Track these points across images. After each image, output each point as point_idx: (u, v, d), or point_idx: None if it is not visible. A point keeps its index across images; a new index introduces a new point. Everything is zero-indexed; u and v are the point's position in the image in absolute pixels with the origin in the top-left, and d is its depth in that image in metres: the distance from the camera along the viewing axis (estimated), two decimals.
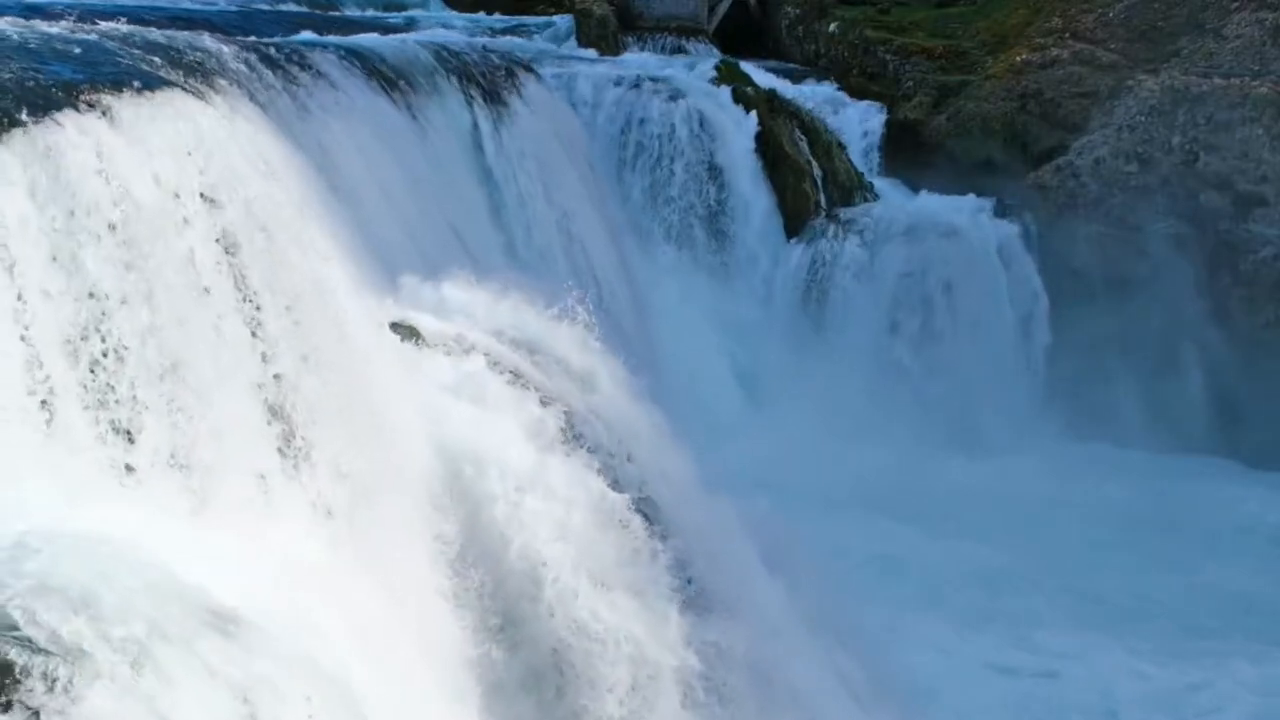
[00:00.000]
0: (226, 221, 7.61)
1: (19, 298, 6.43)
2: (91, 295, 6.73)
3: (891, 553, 16.23)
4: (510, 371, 9.46)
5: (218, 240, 7.53)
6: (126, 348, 6.83)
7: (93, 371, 6.69)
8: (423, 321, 9.59)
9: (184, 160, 7.49)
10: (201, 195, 7.50)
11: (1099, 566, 16.55)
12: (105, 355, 6.74)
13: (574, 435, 9.29)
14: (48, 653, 5.12)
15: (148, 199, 7.10)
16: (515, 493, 8.73)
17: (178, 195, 7.34)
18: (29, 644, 5.13)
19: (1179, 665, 13.92)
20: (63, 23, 8.60)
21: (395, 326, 9.29)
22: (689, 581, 9.28)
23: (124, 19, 9.13)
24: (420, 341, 9.39)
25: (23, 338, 6.42)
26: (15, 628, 5.18)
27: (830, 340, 21.20)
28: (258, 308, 7.68)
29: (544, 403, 9.33)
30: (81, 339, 6.67)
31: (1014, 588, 15.77)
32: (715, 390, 19.57)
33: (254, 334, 7.63)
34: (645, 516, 9.25)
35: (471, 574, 8.52)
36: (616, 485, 9.23)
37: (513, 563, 8.60)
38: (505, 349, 9.66)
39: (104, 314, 6.76)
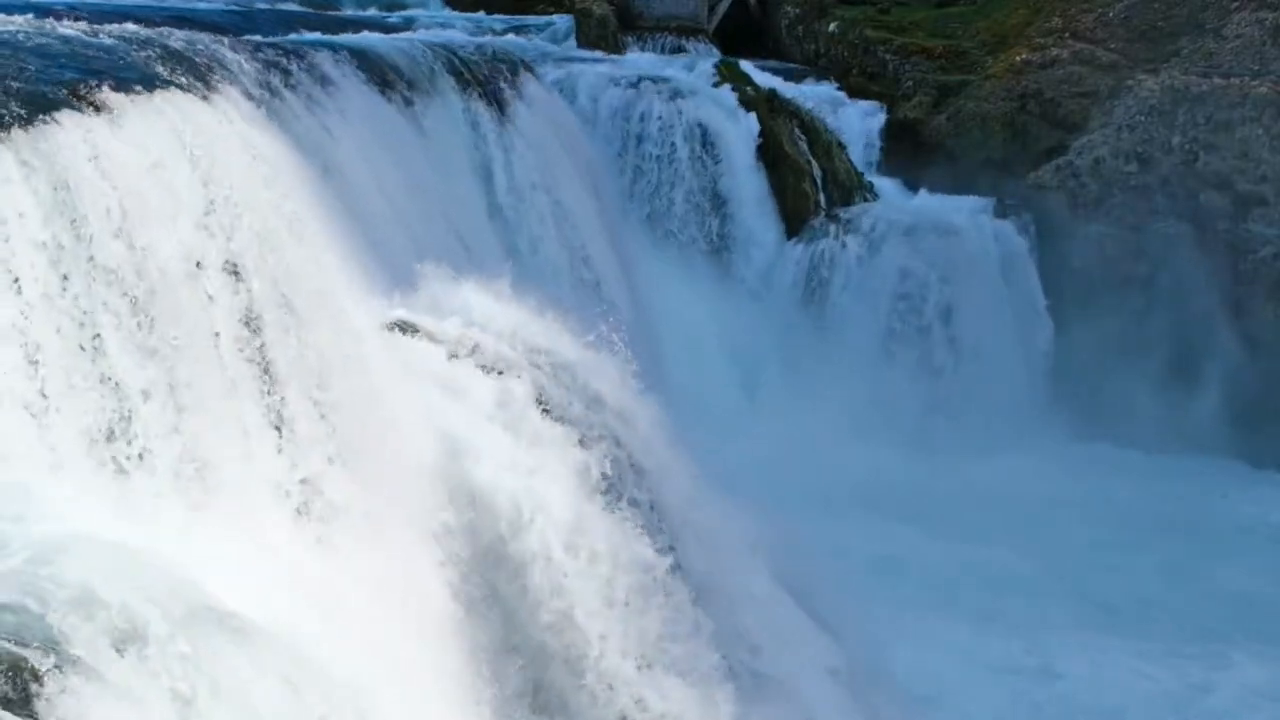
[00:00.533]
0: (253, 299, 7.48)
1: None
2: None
3: (894, 554, 16.20)
4: (548, 401, 8.86)
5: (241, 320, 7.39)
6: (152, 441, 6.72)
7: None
8: (452, 331, 9.10)
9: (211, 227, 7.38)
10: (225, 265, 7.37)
11: (1103, 567, 16.55)
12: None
13: (614, 485, 8.68)
14: (78, 664, 5.10)
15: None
16: (562, 553, 8.08)
17: (200, 264, 7.23)
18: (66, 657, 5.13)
19: (1186, 666, 13.90)
20: (70, 24, 8.50)
21: (406, 327, 8.89)
22: (724, 656, 8.69)
23: (132, 21, 9.09)
24: (454, 356, 8.86)
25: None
26: (56, 641, 5.16)
27: (831, 340, 21.18)
28: (283, 399, 7.48)
29: (584, 443, 8.75)
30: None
31: (1018, 589, 15.75)
32: (718, 390, 19.54)
33: (279, 429, 7.41)
34: (684, 582, 8.71)
35: (508, 656, 7.92)
36: (658, 547, 8.63)
37: (552, 639, 7.97)
38: (544, 376, 9.05)
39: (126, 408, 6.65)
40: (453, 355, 8.90)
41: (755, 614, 9.53)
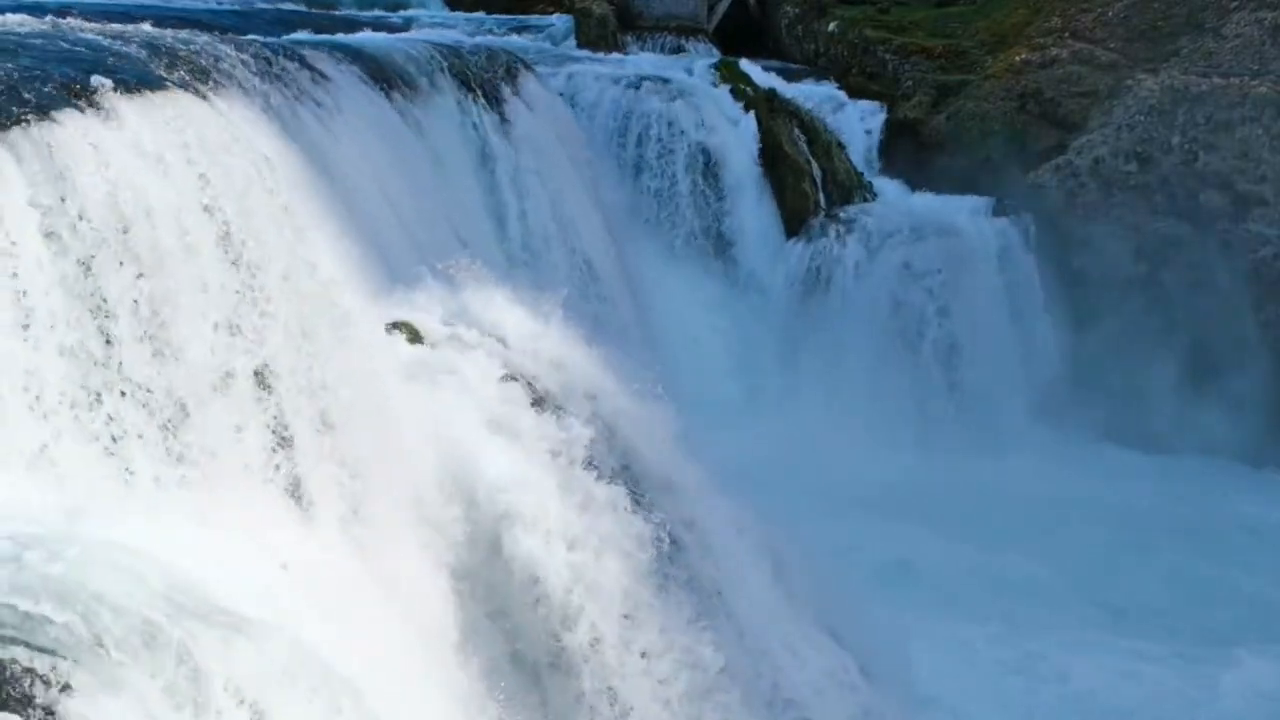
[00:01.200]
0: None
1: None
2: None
3: (897, 554, 16.18)
4: (597, 454, 8.31)
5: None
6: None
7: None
8: (497, 351, 8.66)
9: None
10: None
11: (1109, 568, 16.54)
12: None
13: (664, 563, 8.17)
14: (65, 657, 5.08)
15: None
16: (616, 653, 7.60)
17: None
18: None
19: (1196, 668, 13.86)
20: (82, 28, 8.44)
21: (412, 333, 8.81)
22: None
23: (133, 22, 9.06)
24: (506, 379, 8.40)
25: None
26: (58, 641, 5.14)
27: (832, 341, 21.16)
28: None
29: (639, 511, 8.22)
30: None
31: (1023, 589, 15.73)
32: (721, 392, 19.51)
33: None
34: (734, 681, 8.23)
35: None
36: (714, 642, 8.14)
37: None
38: (598, 421, 8.49)
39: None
40: (505, 379, 8.42)
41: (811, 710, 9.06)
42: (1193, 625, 15.12)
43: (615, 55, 24.11)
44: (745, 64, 23.69)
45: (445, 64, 16.53)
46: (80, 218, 6.67)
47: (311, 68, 13.06)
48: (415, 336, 8.97)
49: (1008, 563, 16.40)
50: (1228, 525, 18.19)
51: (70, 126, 6.89)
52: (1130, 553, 17.02)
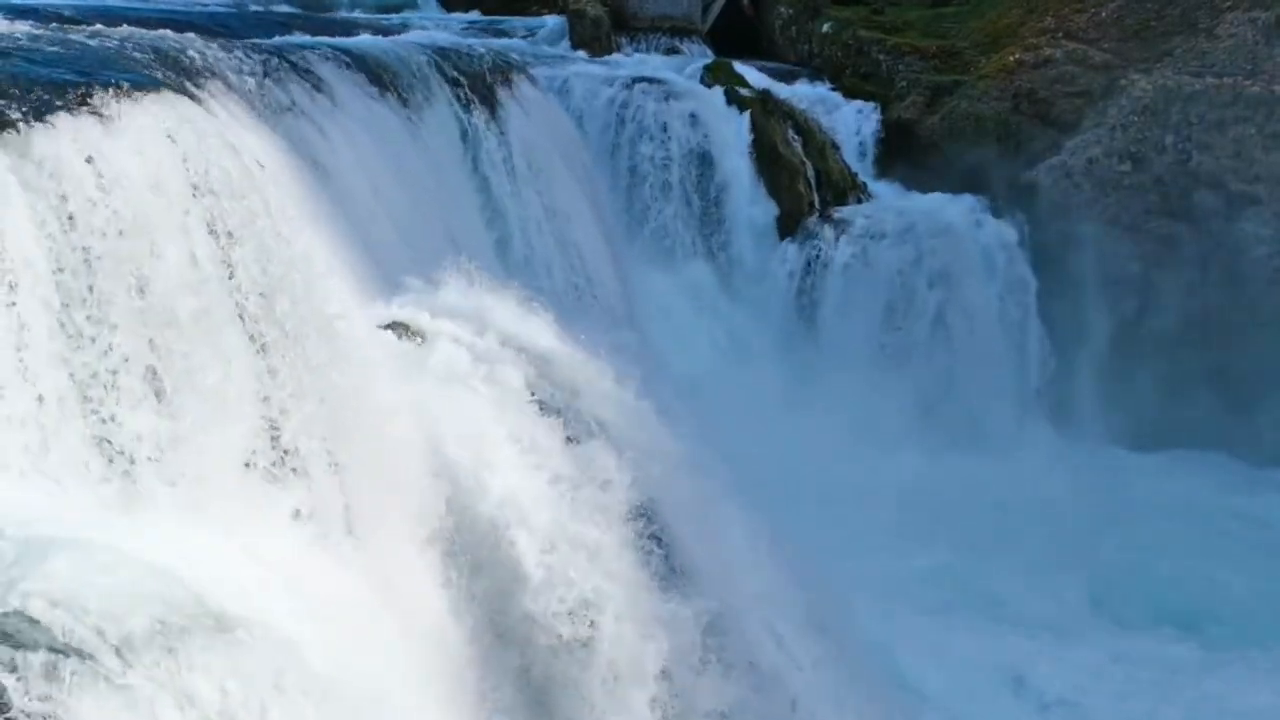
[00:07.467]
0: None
1: None
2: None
3: (892, 555, 16.21)
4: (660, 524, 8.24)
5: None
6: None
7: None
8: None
9: None
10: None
11: (1108, 568, 16.56)
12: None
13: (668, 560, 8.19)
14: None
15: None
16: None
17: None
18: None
19: (1198, 671, 13.86)
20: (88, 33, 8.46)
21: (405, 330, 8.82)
22: None
23: (129, 23, 9.10)
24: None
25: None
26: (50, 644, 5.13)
27: (827, 342, 21.20)
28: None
29: (641, 510, 8.17)
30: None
31: (1018, 588, 15.76)
32: (715, 390, 19.53)
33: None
34: None
35: None
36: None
37: None
38: (595, 418, 8.45)
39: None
40: (498, 379, 8.36)
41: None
42: (1198, 628, 15.04)
43: (610, 56, 24.16)
44: (739, 65, 23.74)
45: (439, 66, 16.57)
46: (75, 220, 6.70)
47: (306, 70, 13.12)
48: (408, 336, 9.02)
49: (1004, 562, 16.42)
50: (1227, 524, 18.17)
51: (65, 129, 6.92)
52: (1131, 552, 17.03)
